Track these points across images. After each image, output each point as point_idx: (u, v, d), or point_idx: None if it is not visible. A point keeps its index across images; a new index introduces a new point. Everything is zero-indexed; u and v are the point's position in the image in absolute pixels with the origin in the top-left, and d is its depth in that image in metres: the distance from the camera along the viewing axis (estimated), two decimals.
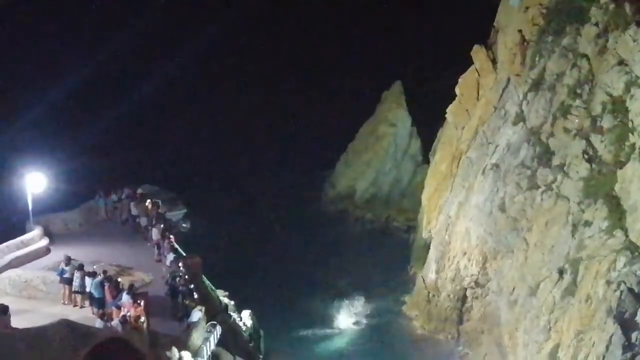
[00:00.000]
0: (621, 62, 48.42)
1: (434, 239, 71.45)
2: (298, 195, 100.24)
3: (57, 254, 44.67)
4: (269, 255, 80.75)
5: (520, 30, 62.92)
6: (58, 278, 39.93)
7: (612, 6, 51.57)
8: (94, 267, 41.03)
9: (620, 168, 45.79)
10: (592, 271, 44.84)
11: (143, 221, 54.06)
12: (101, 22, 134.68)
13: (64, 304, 39.31)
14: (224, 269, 66.22)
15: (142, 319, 32.76)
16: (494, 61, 68.80)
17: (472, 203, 63.42)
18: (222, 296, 56.34)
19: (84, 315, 36.74)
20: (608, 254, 44.19)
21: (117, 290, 37.19)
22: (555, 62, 56.46)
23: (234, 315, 55.07)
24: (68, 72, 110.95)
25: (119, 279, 40.01)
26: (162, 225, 50.69)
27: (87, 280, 38.48)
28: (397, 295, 73.28)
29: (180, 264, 43.87)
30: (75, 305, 39.18)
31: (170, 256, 45.59)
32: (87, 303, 38.91)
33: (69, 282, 39.38)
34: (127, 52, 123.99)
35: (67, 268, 39.70)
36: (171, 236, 48.89)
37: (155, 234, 49.65)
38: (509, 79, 63.85)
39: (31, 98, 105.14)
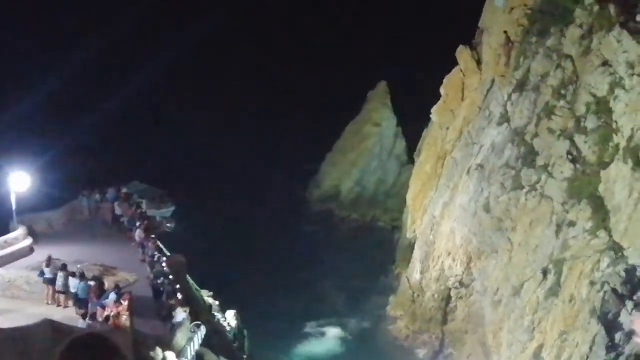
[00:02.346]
0: (605, 63, 48.63)
1: (419, 239, 71.51)
2: (284, 195, 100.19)
3: (41, 254, 44.32)
4: (254, 255, 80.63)
5: (505, 31, 63.02)
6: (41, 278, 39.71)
7: (596, 8, 51.76)
8: (78, 266, 40.76)
9: (604, 169, 46.02)
10: (576, 272, 45.03)
11: (126, 221, 53.76)
12: (86, 21, 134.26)
13: (48, 304, 39.03)
14: (209, 269, 65.99)
15: (125, 317, 32.61)
16: (478, 62, 68.91)
17: (456, 203, 63.52)
18: (207, 296, 56.16)
19: (68, 315, 36.49)
20: (592, 254, 44.41)
21: (101, 290, 36.99)
22: (540, 63, 56.64)
23: (219, 315, 54.91)
24: (54, 69, 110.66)
25: (103, 279, 39.79)
26: (145, 226, 50.38)
27: (71, 280, 38.24)
28: (381, 295, 73.33)
29: (164, 264, 43.70)
30: (59, 305, 38.93)
31: (155, 256, 45.40)
32: (70, 303, 38.68)
33: (52, 282, 39.09)
34: (115, 49, 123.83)
35: (47, 269, 39.39)
36: (152, 236, 48.60)
37: (139, 234, 49.37)
38: (493, 80, 63.97)
39: (16, 96, 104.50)
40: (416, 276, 68.26)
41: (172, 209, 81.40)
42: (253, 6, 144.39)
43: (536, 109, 55.65)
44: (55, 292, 39.01)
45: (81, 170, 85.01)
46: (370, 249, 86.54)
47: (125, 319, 32.39)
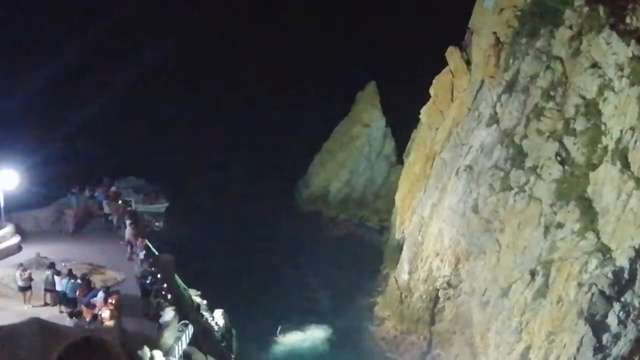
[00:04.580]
0: (594, 65, 48.80)
1: (407, 239, 71.49)
2: (272, 195, 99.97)
3: (29, 252, 44.27)
4: (242, 255, 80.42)
5: (494, 32, 63.07)
6: None
7: (586, 9, 51.92)
8: (63, 264, 40.61)
9: (593, 170, 46.17)
10: (564, 273, 45.12)
11: (115, 220, 53.52)
12: (74, 14, 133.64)
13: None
14: (197, 268, 65.90)
15: (112, 317, 32.52)
16: (468, 63, 68.94)
17: (445, 204, 63.53)
18: (195, 295, 56.04)
19: (54, 313, 36.37)
20: (580, 256, 44.51)
21: (88, 289, 36.85)
22: (529, 64, 56.73)
23: (207, 314, 54.82)
24: (44, 64, 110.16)
25: (90, 278, 39.64)
26: (133, 224, 50.15)
27: (57, 279, 38.06)
28: (369, 295, 73.33)
29: (152, 263, 43.55)
30: (46, 304, 38.75)
31: (142, 255, 45.21)
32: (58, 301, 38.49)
33: (24, 289, 38.66)
34: (108, 41, 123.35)
35: (19, 274, 38.94)
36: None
37: (127, 232, 49.15)
38: (483, 81, 63.99)
39: (4, 92, 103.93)
40: (404, 277, 68.25)
41: (166, 204, 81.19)
42: (246, 3, 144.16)
43: (525, 110, 55.76)
44: (28, 297, 38.66)
45: (72, 168, 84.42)
46: (358, 249, 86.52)
47: (112, 318, 32.33)
